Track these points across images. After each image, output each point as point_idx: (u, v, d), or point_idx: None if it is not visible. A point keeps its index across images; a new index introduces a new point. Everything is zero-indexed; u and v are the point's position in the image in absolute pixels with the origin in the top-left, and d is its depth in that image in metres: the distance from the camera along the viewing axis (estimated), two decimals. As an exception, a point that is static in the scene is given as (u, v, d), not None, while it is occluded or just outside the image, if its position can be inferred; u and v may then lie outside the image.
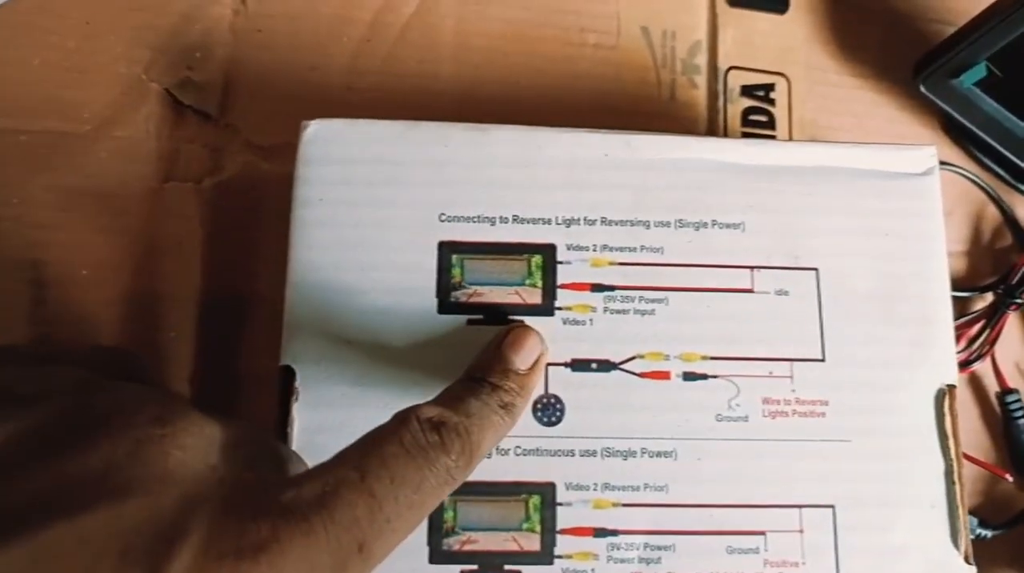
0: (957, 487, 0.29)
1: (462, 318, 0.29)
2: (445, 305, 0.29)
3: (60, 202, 0.34)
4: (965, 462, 0.33)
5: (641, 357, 0.29)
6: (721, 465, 0.29)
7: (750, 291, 0.30)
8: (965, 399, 0.38)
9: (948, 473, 0.29)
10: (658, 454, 0.29)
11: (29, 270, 0.33)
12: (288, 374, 0.28)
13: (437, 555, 0.27)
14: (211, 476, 0.18)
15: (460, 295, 0.29)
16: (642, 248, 0.30)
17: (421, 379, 0.28)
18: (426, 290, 0.29)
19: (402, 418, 0.21)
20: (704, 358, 0.30)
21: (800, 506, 0.29)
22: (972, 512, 0.36)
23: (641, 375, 0.29)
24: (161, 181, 0.35)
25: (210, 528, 0.17)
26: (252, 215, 0.35)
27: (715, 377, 0.29)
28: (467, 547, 0.27)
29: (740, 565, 0.28)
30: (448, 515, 0.28)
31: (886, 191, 0.32)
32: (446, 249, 0.29)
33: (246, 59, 0.36)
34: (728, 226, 0.31)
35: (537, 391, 0.29)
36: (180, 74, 0.36)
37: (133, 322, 0.33)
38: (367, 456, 0.20)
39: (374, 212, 0.30)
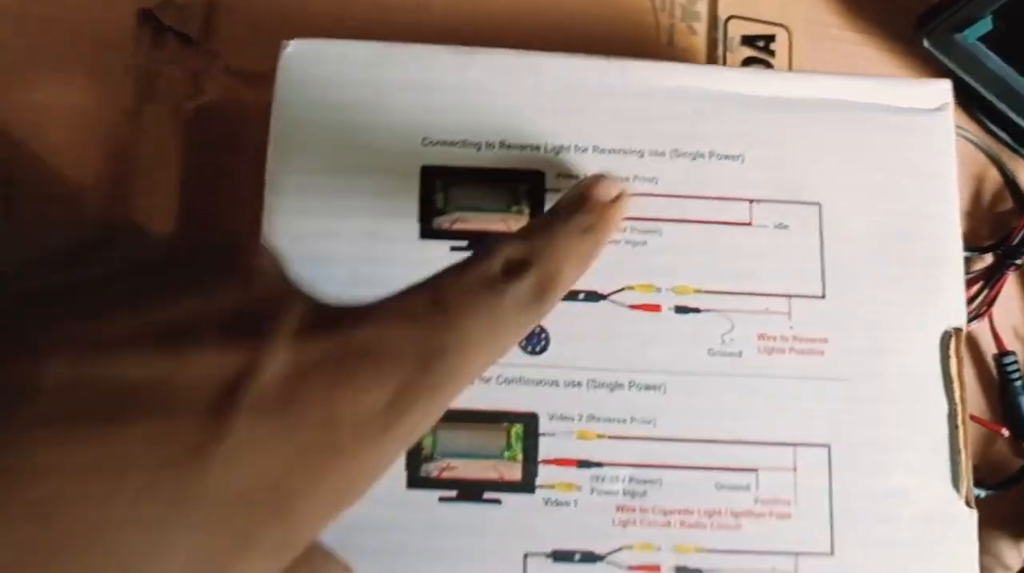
0: (960, 431, 0.28)
1: (444, 245, 0.28)
2: (427, 231, 0.28)
3: (34, 120, 0.33)
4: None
5: (631, 288, 0.28)
6: (712, 400, 0.28)
7: (748, 224, 0.29)
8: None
9: (951, 416, 0.28)
10: (646, 387, 0.28)
11: (2, 188, 0.33)
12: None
13: (415, 481, 0.27)
14: (284, 280, 0.19)
15: (443, 221, 0.28)
16: (635, 178, 0.29)
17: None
18: (408, 215, 0.28)
19: (476, 254, 0.21)
20: (697, 291, 0.29)
21: (794, 444, 0.28)
22: None
23: (631, 307, 0.28)
24: (139, 103, 0.34)
25: (300, 318, 0.17)
26: (233, 142, 0.34)
27: (708, 311, 0.28)
28: (446, 474, 0.27)
29: (730, 502, 0.27)
30: (427, 442, 0.27)
31: (895, 127, 0.30)
32: (429, 174, 0.29)
33: None
34: (727, 157, 0.30)
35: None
36: None
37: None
38: (444, 287, 0.20)
39: (356, 135, 0.29)
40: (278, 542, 0.16)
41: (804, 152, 0.30)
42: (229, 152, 0.34)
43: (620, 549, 0.27)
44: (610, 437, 0.27)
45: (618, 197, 0.25)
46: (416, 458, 0.27)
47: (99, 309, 0.16)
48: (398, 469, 0.27)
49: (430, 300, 0.19)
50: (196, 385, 0.15)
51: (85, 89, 0.34)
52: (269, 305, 0.17)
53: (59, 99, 0.34)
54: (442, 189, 0.29)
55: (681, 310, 0.28)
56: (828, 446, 0.28)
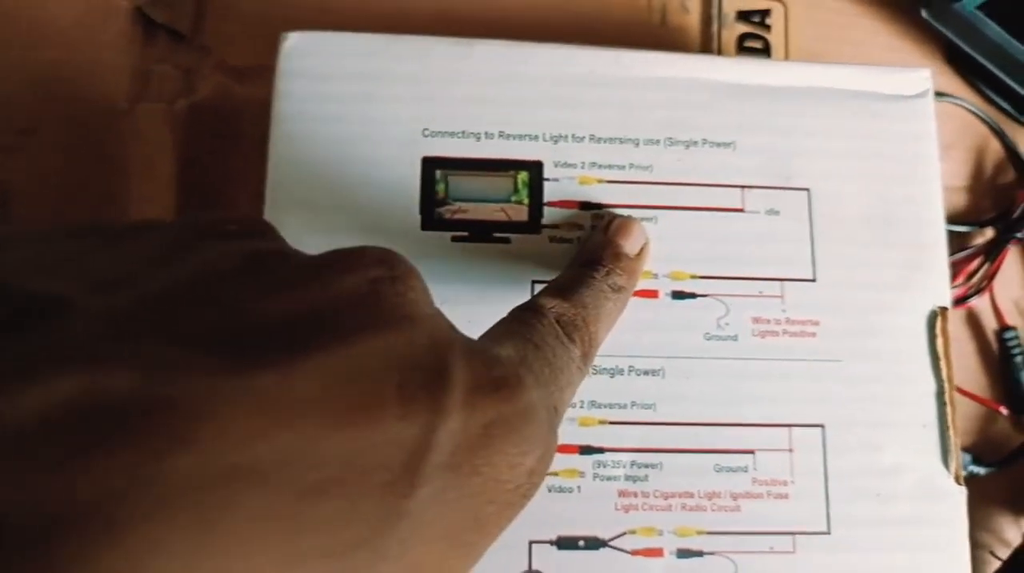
0: (948, 408, 0.29)
1: (446, 235, 0.28)
2: (429, 221, 0.28)
3: (27, 122, 0.33)
4: (961, 398, 0.33)
5: (629, 275, 0.29)
6: (709, 384, 0.28)
7: (740, 211, 0.30)
8: (962, 335, 0.37)
9: (939, 394, 0.29)
10: (646, 372, 0.28)
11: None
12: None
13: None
14: (442, 321, 0.17)
15: (444, 211, 0.29)
16: (631, 166, 0.30)
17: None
18: (409, 206, 0.29)
19: (534, 310, 0.21)
20: (693, 277, 0.29)
21: (790, 425, 0.28)
22: (966, 449, 0.35)
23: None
24: (132, 102, 0.34)
25: (465, 367, 0.16)
26: (226, 139, 0.34)
27: (704, 296, 0.29)
28: None
29: (728, 483, 0.28)
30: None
31: (880, 113, 0.31)
32: (430, 164, 0.29)
33: None
34: (719, 145, 0.30)
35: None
36: None
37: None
38: (533, 338, 0.20)
39: (356, 127, 0.29)
40: None
41: (793, 139, 0.30)
42: (223, 148, 0.34)
43: (623, 534, 0.27)
44: (611, 422, 0.28)
45: (642, 249, 0.27)
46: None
47: (268, 357, 0.13)
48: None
49: (539, 356, 0.19)
50: (380, 458, 0.14)
51: (77, 90, 0.34)
52: (438, 355, 0.15)
53: (52, 100, 0.34)
54: (443, 179, 0.29)
55: (678, 295, 0.29)
56: (822, 426, 0.28)
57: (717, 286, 0.29)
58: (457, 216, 0.29)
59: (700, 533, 0.27)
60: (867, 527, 0.28)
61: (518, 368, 0.18)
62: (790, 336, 0.29)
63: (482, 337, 0.20)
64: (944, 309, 0.30)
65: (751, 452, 0.28)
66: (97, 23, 0.34)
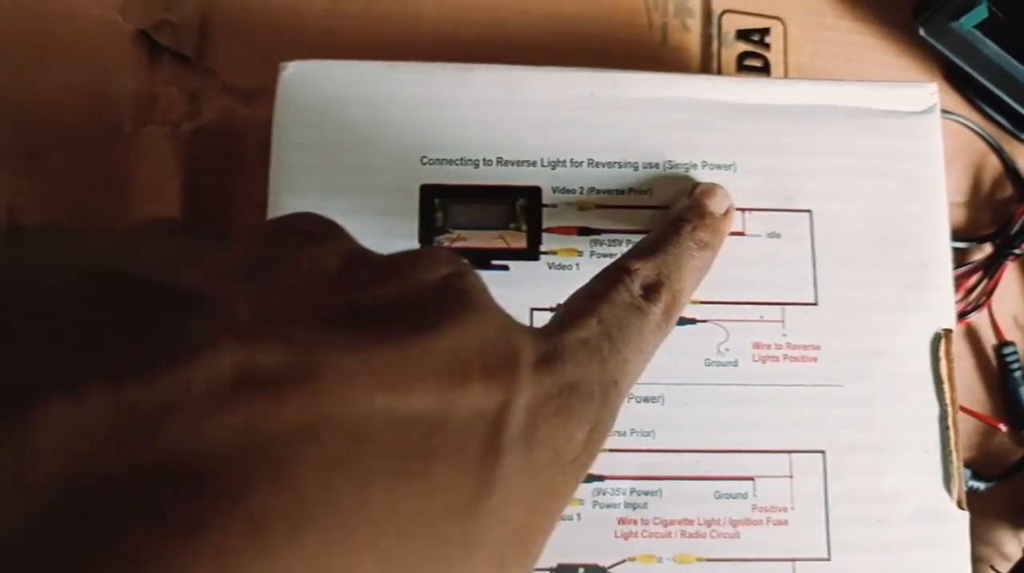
0: (951, 432, 0.29)
1: (445, 262, 0.28)
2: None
3: (33, 148, 0.33)
4: (960, 414, 0.32)
5: (629, 301, 0.29)
6: (710, 410, 0.28)
7: (741, 234, 0.30)
8: (961, 350, 0.37)
9: (943, 418, 0.29)
10: (645, 399, 0.28)
11: (3, 217, 0.33)
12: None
13: None
14: (503, 311, 0.18)
15: (443, 240, 0.29)
16: (630, 191, 0.30)
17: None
18: (408, 234, 0.29)
19: (614, 276, 0.22)
20: (693, 302, 0.29)
21: (790, 452, 0.28)
22: (966, 464, 0.35)
23: (629, 320, 0.29)
24: (137, 125, 0.34)
25: (530, 349, 0.17)
26: (231, 162, 0.34)
27: (704, 321, 0.29)
28: None
29: (728, 510, 0.28)
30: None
31: (883, 130, 0.31)
32: (429, 193, 0.29)
33: (224, 1, 0.36)
34: (719, 167, 0.30)
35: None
36: (156, 15, 0.35)
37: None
38: (603, 313, 0.21)
39: (355, 156, 0.29)
40: None
41: (794, 158, 0.30)
42: (229, 171, 0.34)
43: (623, 561, 0.27)
44: (610, 450, 0.28)
45: (728, 210, 0.27)
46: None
47: (382, 336, 0.15)
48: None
49: (599, 330, 0.20)
50: (473, 428, 0.15)
51: (83, 114, 0.34)
52: (507, 338, 0.17)
53: (58, 124, 0.34)
54: (441, 207, 0.29)
55: (678, 321, 0.29)
56: (823, 452, 0.28)
57: (717, 311, 0.29)
58: (456, 244, 0.29)
59: (700, 560, 0.27)
60: (868, 552, 0.28)
61: (574, 350, 0.19)
62: (791, 361, 0.29)
63: (564, 303, 0.21)
64: (948, 331, 0.29)
65: (751, 478, 0.28)
66: (103, 47, 0.35)
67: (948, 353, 0.29)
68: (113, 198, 0.34)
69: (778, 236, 0.30)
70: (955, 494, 0.28)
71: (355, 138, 0.29)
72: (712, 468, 0.28)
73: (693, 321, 0.29)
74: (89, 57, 0.35)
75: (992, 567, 0.35)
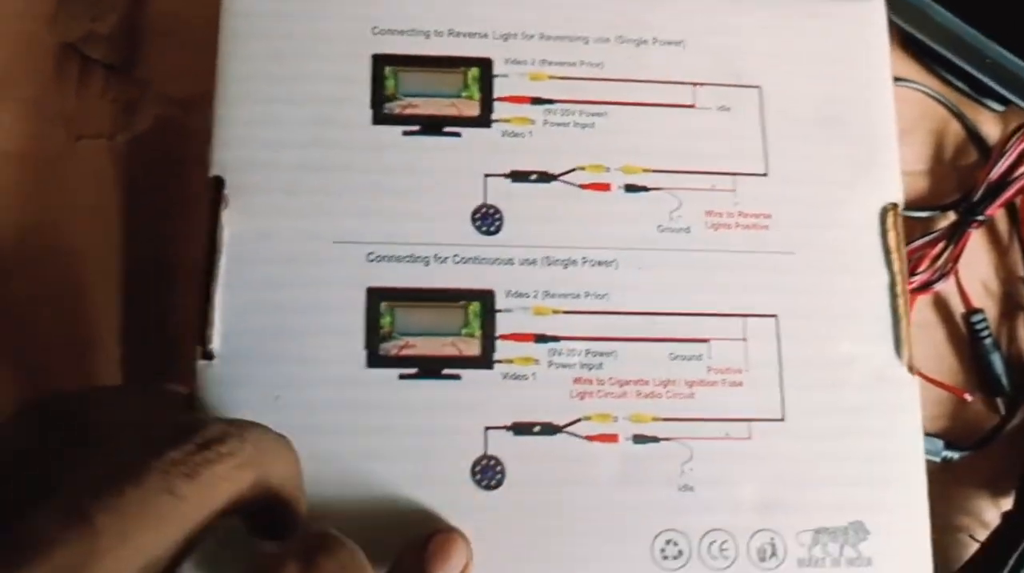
0: (901, 299, 0.29)
1: (397, 129, 0.28)
2: (379, 116, 0.28)
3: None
4: (929, 385, 0.33)
5: (582, 169, 0.29)
6: (663, 274, 0.28)
7: (692, 107, 0.30)
8: (930, 320, 0.37)
9: (892, 286, 0.29)
10: (599, 263, 0.28)
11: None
12: (217, 183, 0.27)
13: (375, 359, 0.27)
14: None
15: (394, 107, 0.29)
16: (581, 63, 0.30)
17: (352, 189, 0.28)
18: (360, 102, 0.28)
19: None
20: (645, 171, 0.29)
21: (743, 315, 0.29)
22: (939, 435, 0.35)
23: (582, 186, 0.29)
24: (71, 140, 0.34)
25: None
26: (171, 174, 0.33)
27: (656, 189, 0.29)
28: (405, 352, 0.27)
29: (683, 371, 0.28)
30: (385, 321, 0.27)
31: (831, 15, 0.31)
32: (380, 61, 0.29)
33: (153, 9, 0.35)
34: (669, 43, 0.30)
35: (476, 201, 0.28)
36: (84, 27, 0.34)
37: (50, 285, 0.32)
38: None
39: (306, 24, 0.29)
40: None
41: (743, 37, 0.31)
42: (169, 183, 0.33)
43: (579, 420, 0.27)
44: (565, 312, 0.28)
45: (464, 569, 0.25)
46: (375, 337, 0.27)
47: None
48: (357, 349, 0.27)
49: None
50: None
51: (15, 135, 0.33)
52: None
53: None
54: (392, 75, 0.29)
55: (630, 189, 0.29)
56: (775, 316, 0.29)
57: (669, 179, 0.29)
58: (408, 111, 0.29)
59: (655, 419, 0.28)
60: (822, 415, 0.28)
61: None
62: (743, 228, 0.29)
63: None
64: (895, 205, 0.30)
65: (705, 341, 0.28)
66: (29, 64, 0.34)
67: (896, 225, 0.30)
68: (53, 214, 0.33)
69: (728, 110, 0.30)
70: (905, 358, 0.29)
71: (305, 7, 0.29)
72: (666, 330, 0.28)
73: (645, 188, 0.29)
74: (16, 74, 0.34)
75: (971, 536, 0.35)
